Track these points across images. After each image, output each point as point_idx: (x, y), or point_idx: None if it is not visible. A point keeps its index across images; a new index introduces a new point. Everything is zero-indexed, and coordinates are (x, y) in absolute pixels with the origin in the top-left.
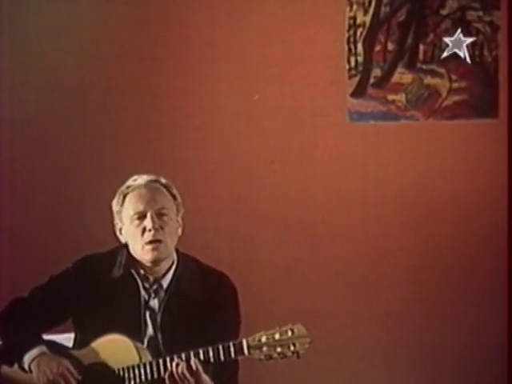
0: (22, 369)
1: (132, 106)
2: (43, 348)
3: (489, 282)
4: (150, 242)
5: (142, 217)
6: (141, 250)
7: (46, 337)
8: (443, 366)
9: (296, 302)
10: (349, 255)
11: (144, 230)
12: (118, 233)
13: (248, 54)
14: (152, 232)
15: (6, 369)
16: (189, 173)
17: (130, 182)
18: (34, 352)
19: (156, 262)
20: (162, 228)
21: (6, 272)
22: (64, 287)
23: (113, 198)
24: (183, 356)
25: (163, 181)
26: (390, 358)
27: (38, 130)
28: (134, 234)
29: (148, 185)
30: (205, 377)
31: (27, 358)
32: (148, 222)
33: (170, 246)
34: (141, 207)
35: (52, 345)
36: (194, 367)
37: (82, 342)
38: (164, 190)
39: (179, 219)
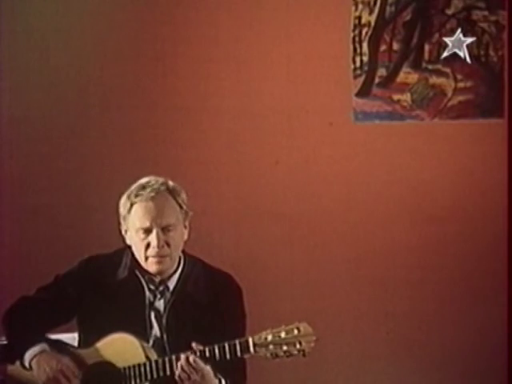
0: (23, 366)
1: (135, 107)
2: (44, 346)
3: (490, 281)
4: (154, 257)
5: (147, 232)
6: (144, 262)
7: (51, 336)
8: (445, 366)
9: (301, 301)
10: (353, 255)
11: (148, 244)
12: (123, 233)
13: (253, 53)
14: (156, 249)
15: (11, 367)
16: (193, 173)
17: (138, 190)
18: (34, 349)
19: (159, 273)
20: (167, 244)
21: (7, 273)
22: (69, 287)
23: (116, 198)
24: (188, 353)
25: (171, 187)
26: (394, 357)
27: (40, 130)
28: (138, 245)
29: (155, 197)
30: (208, 369)
31: (28, 355)
32: (153, 239)
33: (175, 258)
34: (147, 223)
35: (56, 343)
36: (191, 361)
37: (86, 342)
38: (171, 200)
39: (186, 224)
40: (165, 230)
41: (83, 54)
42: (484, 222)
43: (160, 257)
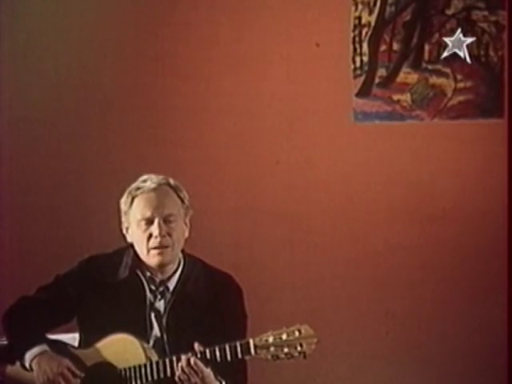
0: (24, 367)
1: (136, 107)
2: (45, 347)
3: (490, 281)
4: (156, 248)
5: (149, 222)
6: (146, 255)
7: (51, 336)
8: (445, 366)
9: (301, 301)
10: (353, 255)
11: (150, 235)
12: (124, 231)
13: (253, 54)
14: (158, 239)
15: (10, 368)
16: (193, 173)
17: (139, 184)
18: (35, 350)
19: (161, 266)
20: (169, 234)
21: (7, 273)
22: (69, 287)
23: (117, 198)
24: (189, 355)
25: (172, 183)
26: (394, 357)
27: (40, 130)
28: (140, 238)
29: (157, 189)
30: (208, 371)
31: (28, 356)
32: (155, 229)
33: (177, 250)
34: (148, 213)
35: (56, 344)
36: (192, 363)
37: (86, 342)
38: (173, 193)
39: (187, 221)
40: (166, 220)
41: (83, 54)
42: (484, 222)
43: (162, 247)
